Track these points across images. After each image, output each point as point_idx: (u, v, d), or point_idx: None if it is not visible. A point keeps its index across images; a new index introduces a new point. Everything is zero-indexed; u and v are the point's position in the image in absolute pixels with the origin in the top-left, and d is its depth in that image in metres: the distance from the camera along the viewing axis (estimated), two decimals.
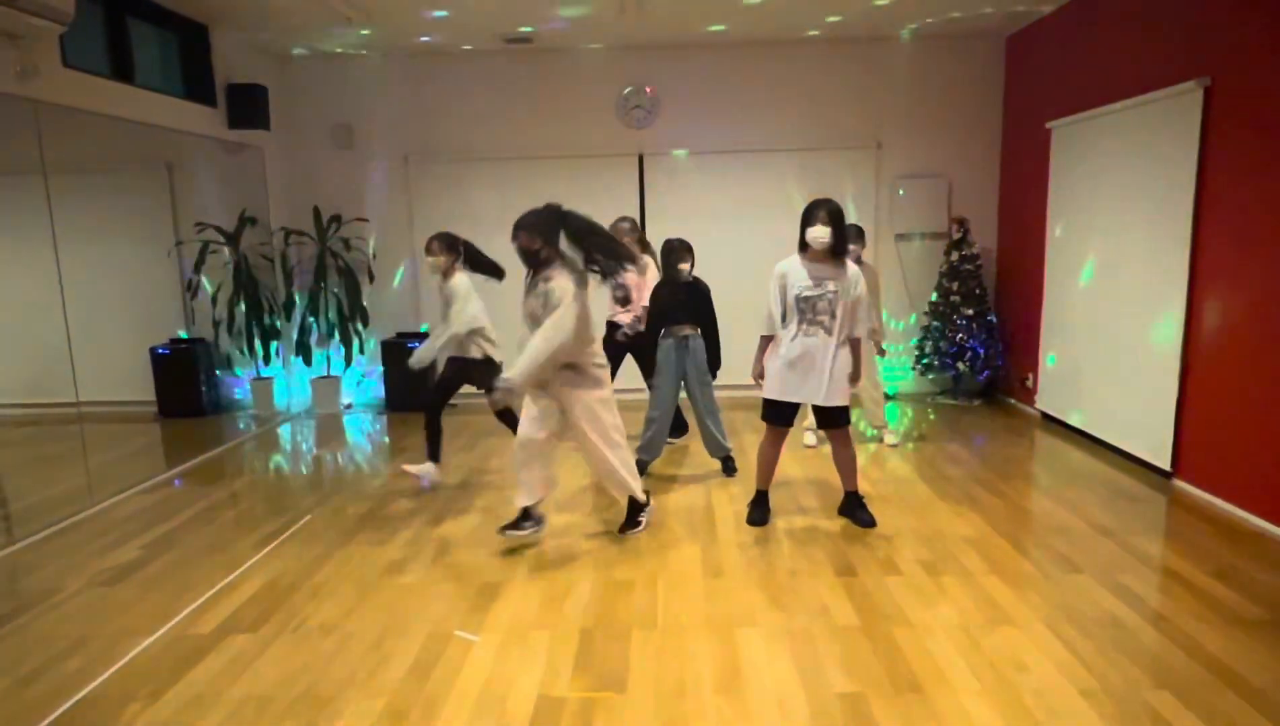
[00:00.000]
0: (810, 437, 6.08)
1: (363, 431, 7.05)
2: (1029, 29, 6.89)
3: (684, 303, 5.17)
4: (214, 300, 7.02)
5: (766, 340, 4.37)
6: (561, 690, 2.94)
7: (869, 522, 4.42)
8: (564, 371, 4.05)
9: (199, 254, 6.80)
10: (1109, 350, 5.67)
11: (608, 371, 4.21)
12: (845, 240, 4.16)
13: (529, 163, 7.60)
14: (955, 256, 7.20)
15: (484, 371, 5.05)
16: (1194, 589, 3.61)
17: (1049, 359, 6.57)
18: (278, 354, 7.52)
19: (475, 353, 5.12)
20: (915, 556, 4.03)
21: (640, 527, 4.43)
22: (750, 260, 7.58)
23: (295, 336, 7.59)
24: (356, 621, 3.50)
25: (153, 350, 6.98)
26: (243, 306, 7.17)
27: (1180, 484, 4.95)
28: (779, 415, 4.40)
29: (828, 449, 5.34)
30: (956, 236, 7.24)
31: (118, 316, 6.50)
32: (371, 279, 7.67)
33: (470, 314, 5.04)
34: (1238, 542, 4.11)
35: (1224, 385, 4.58)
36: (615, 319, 5.87)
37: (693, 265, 5.22)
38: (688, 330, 5.19)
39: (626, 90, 7.49)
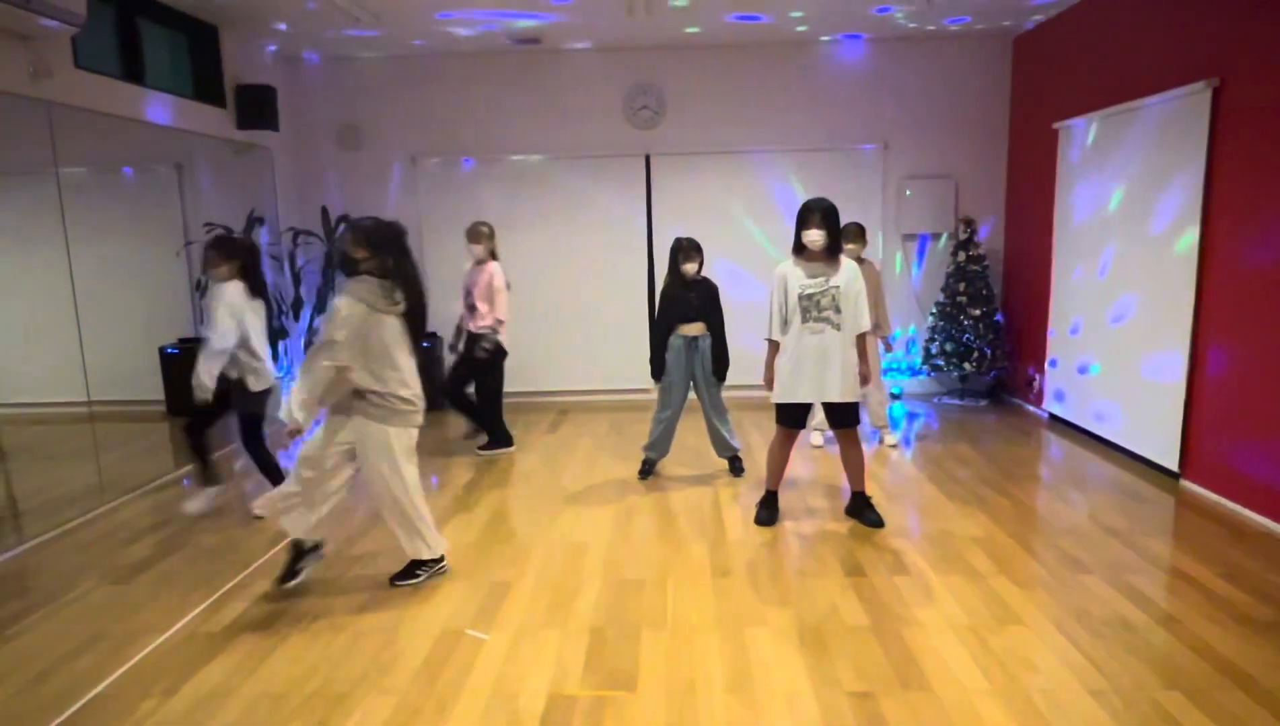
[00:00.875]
0: (817, 437, 6.09)
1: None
2: (1037, 29, 6.89)
3: (691, 302, 5.14)
4: None
5: (775, 346, 4.38)
6: (573, 689, 2.96)
7: (877, 523, 4.43)
8: (358, 400, 3.61)
9: None
10: (1116, 351, 5.67)
11: (416, 412, 3.75)
12: (840, 239, 4.24)
13: (536, 163, 7.62)
14: (962, 257, 7.20)
15: (241, 397, 4.68)
16: (1203, 589, 3.61)
17: (1056, 359, 6.57)
18: (285, 354, 7.54)
19: (234, 372, 4.61)
20: (923, 556, 4.04)
21: (418, 579, 3.90)
22: (757, 260, 7.60)
23: (303, 336, 7.61)
24: (368, 619, 3.52)
25: (162, 350, 7.01)
26: None
27: (1188, 484, 4.95)
28: (790, 416, 4.43)
29: (835, 449, 5.33)
30: (964, 237, 7.24)
31: (127, 316, 6.53)
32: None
33: (224, 328, 4.44)
34: (1246, 543, 4.11)
35: (1232, 386, 4.58)
36: (474, 329, 5.87)
37: (701, 264, 5.19)
38: (696, 330, 5.17)
39: (633, 90, 7.51)
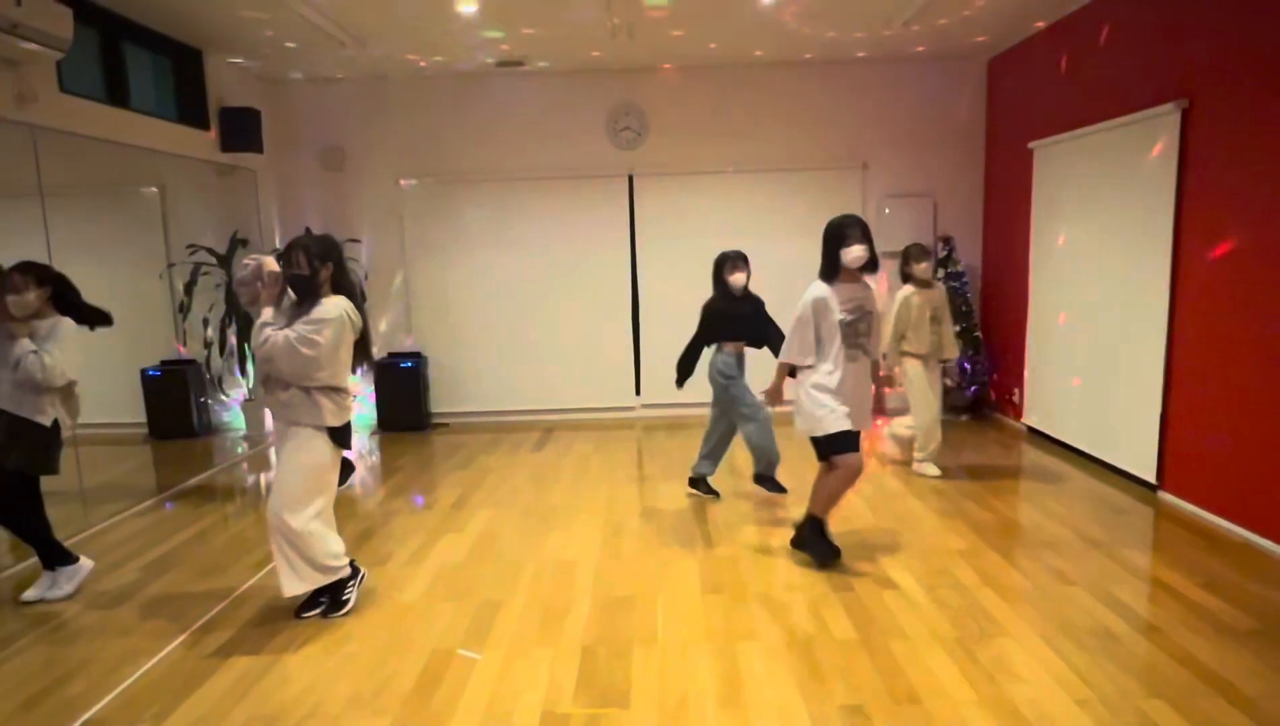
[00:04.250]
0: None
1: (356, 452, 7.06)
2: (1011, 51, 7.04)
3: (742, 317, 4.95)
4: (205, 322, 7.04)
5: (786, 368, 4.19)
6: (565, 706, 2.97)
7: (825, 555, 4.16)
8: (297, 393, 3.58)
9: (190, 275, 6.82)
10: (1093, 365, 5.78)
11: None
12: (875, 255, 4.00)
13: (520, 183, 7.68)
14: (941, 274, 7.32)
15: (37, 442, 3.95)
16: (1184, 599, 3.68)
17: (1034, 374, 6.68)
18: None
19: (43, 416, 3.95)
20: (909, 570, 4.09)
21: (342, 609, 3.78)
22: None
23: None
24: (359, 641, 3.52)
25: (143, 371, 6.98)
26: (234, 328, 7.18)
27: (1166, 496, 5.04)
28: (853, 442, 4.05)
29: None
30: (943, 254, 7.37)
31: (109, 338, 6.50)
32: (364, 299, 7.68)
33: (65, 361, 3.94)
34: (1224, 553, 4.19)
35: (1206, 398, 4.68)
36: None
37: (748, 277, 4.99)
38: (745, 349, 5.00)
39: (615, 111, 7.59)
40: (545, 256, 7.77)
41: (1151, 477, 5.14)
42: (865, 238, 3.92)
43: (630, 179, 7.68)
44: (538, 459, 6.54)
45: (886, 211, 7.63)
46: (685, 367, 5.20)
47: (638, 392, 7.93)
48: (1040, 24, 6.32)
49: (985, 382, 7.39)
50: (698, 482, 5.34)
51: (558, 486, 5.74)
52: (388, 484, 5.98)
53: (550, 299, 7.82)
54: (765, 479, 5.12)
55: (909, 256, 5.58)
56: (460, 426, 7.78)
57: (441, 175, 7.69)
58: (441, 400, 7.91)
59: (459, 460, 6.54)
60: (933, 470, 5.69)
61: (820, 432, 4.00)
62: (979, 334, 7.35)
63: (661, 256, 7.73)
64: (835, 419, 3.97)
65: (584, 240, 7.75)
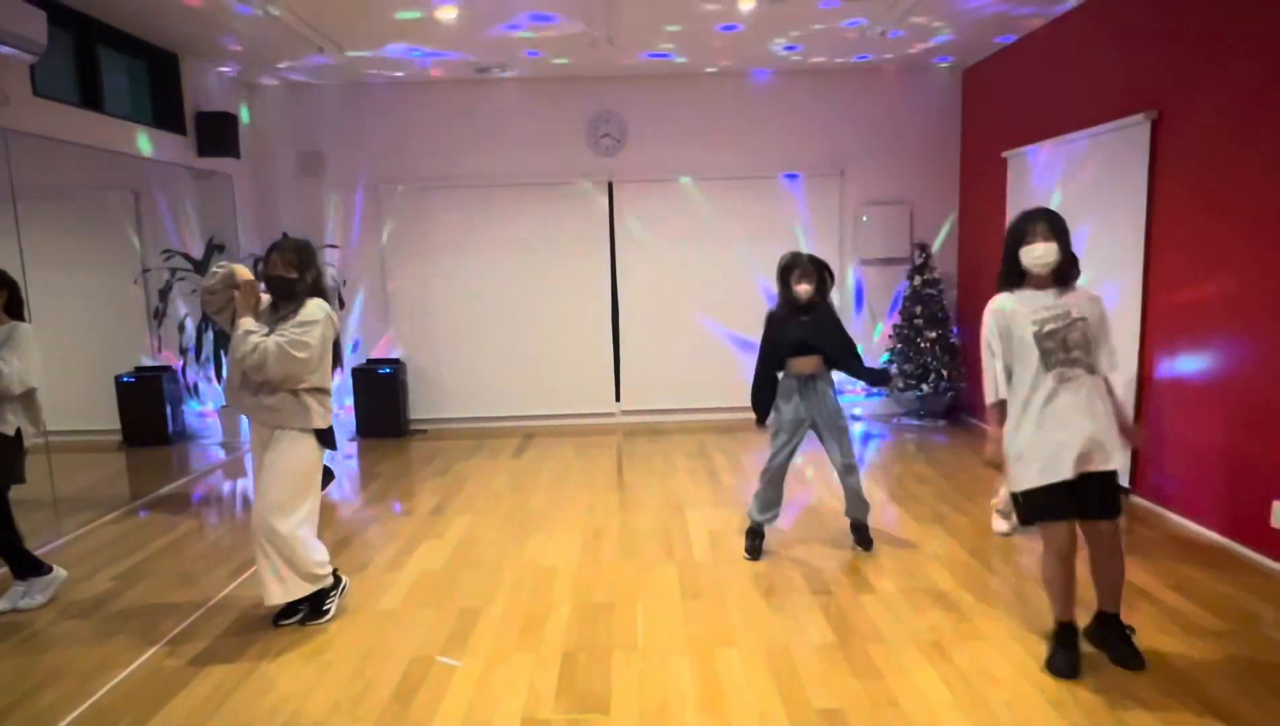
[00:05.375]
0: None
1: (333, 459, 7.01)
2: (985, 62, 7.14)
3: (806, 330, 4.25)
4: (181, 328, 6.97)
5: (999, 409, 3.24)
6: (546, 713, 2.97)
7: (1136, 660, 3.16)
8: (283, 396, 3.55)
9: (165, 281, 6.76)
10: None
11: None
12: (1074, 254, 3.16)
13: (500, 189, 7.67)
14: (918, 281, 7.40)
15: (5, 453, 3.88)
16: (1155, 601, 3.74)
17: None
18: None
19: (5, 425, 3.84)
20: (887, 575, 4.12)
21: (322, 618, 3.76)
22: (718, 285, 7.72)
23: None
24: (337, 649, 3.49)
25: (117, 378, 6.90)
26: (210, 334, 7.12)
27: (1138, 500, 5.12)
28: (1052, 505, 3.09)
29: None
30: (919, 261, 7.45)
31: (83, 344, 6.42)
32: (341, 305, 7.65)
33: (24, 369, 3.85)
34: (1194, 556, 4.26)
35: (1177, 405, 4.76)
36: None
37: (819, 285, 4.27)
38: (810, 365, 4.28)
39: (595, 118, 7.61)
40: (525, 262, 7.76)
41: (1124, 482, 5.21)
42: (1056, 234, 3.09)
43: (610, 185, 7.70)
44: (517, 465, 6.53)
45: (864, 218, 7.70)
46: (761, 396, 4.43)
47: (618, 398, 7.94)
48: (1010, 37, 6.41)
49: (961, 388, 7.46)
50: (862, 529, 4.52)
51: (537, 492, 5.73)
52: (366, 490, 5.95)
53: (530, 305, 7.81)
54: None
55: None
56: (439, 432, 7.75)
57: (421, 181, 7.67)
58: (420, 406, 7.88)
59: (438, 466, 6.52)
60: (997, 524, 4.73)
61: (1016, 489, 3.19)
62: (955, 340, 7.42)
63: (641, 262, 7.75)
64: (1027, 471, 3.11)
65: (564, 246, 7.75)
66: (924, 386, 7.31)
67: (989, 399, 3.26)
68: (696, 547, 4.58)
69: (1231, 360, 4.34)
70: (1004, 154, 6.61)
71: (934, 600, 3.81)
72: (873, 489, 5.58)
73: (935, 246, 7.70)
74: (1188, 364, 4.67)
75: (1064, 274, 3.15)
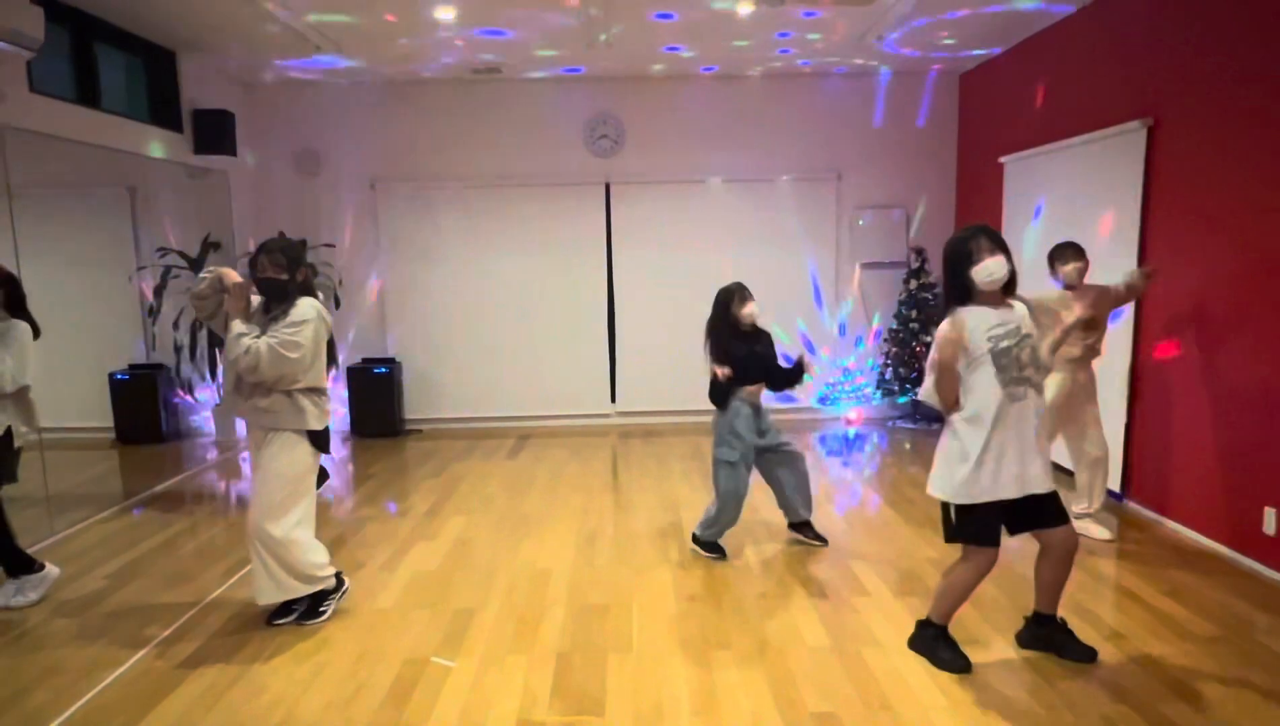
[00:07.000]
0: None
1: (327, 458, 7.00)
2: (982, 67, 7.16)
3: (754, 356, 4.30)
4: (175, 326, 6.95)
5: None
6: (540, 714, 2.97)
7: (1087, 654, 3.27)
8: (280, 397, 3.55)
9: (160, 278, 6.74)
10: None
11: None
12: (1014, 270, 3.12)
13: (496, 190, 7.67)
14: (914, 285, 7.42)
15: None
16: (1148, 606, 3.75)
17: None
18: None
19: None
20: (881, 578, 4.13)
21: (317, 618, 3.74)
22: (715, 287, 7.69)
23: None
24: (330, 650, 3.49)
25: (111, 376, 6.89)
26: (205, 332, 7.09)
27: (1131, 505, 5.13)
28: (988, 527, 3.13)
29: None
30: (915, 266, 7.46)
31: (77, 341, 6.40)
32: (338, 304, 7.64)
33: (17, 367, 3.84)
34: (1186, 562, 4.28)
35: (1170, 411, 4.78)
36: None
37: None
38: (759, 391, 4.36)
39: (593, 119, 7.61)
40: (521, 263, 7.76)
41: (1117, 487, 5.23)
42: (1003, 248, 3.09)
43: (607, 187, 7.70)
44: (512, 466, 6.53)
45: (860, 222, 7.71)
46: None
47: (613, 400, 7.94)
48: (1008, 43, 6.43)
49: None
50: (801, 527, 4.63)
51: (532, 494, 5.73)
52: (360, 491, 5.94)
53: (526, 305, 7.81)
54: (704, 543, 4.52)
55: (1054, 258, 4.52)
56: (434, 433, 7.74)
57: (417, 180, 7.66)
58: (415, 406, 7.87)
59: (433, 467, 6.51)
60: (1099, 532, 4.60)
61: (956, 501, 3.16)
62: None
63: (637, 264, 7.75)
64: (969, 488, 3.09)
65: (560, 247, 7.75)
66: (917, 391, 7.32)
67: (923, 396, 3.32)
68: (691, 550, 4.57)
69: (1225, 367, 4.36)
70: (1001, 159, 6.63)
71: (928, 604, 3.80)
72: (868, 492, 5.59)
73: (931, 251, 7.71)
74: (1181, 371, 4.69)
75: (1010, 287, 3.16)
